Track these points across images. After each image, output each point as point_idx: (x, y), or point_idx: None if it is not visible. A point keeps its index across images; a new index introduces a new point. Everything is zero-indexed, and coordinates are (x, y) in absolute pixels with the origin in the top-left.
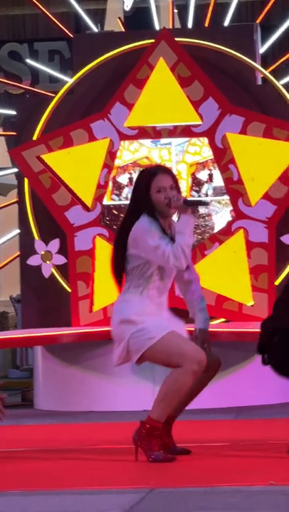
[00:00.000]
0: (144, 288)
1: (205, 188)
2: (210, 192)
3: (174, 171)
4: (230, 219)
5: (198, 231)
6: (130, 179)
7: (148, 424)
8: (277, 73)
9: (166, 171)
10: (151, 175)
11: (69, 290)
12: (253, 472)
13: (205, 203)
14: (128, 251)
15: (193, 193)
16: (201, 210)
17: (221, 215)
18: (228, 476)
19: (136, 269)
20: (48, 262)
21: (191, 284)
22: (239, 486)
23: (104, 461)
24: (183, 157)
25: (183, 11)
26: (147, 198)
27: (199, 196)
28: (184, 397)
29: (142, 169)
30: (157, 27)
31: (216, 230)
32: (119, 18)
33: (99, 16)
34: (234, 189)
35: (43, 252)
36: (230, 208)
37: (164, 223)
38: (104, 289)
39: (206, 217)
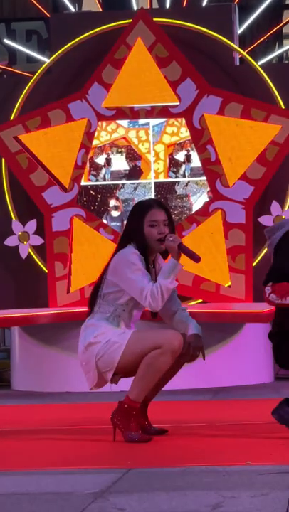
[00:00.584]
0: (112, 315)
1: (182, 168)
2: (187, 173)
3: (152, 152)
4: (208, 200)
5: (175, 212)
6: (107, 160)
7: (126, 404)
8: (255, 54)
9: (162, 205)
10: (146, 207)
11: (46, 271)
12: (230, 452)
13: (196, 259)
14: (106, 275)
15: (171, 173)
16: (179, 190)
17: (198, 196)
18: (205, 456)
19: (109, 295)
20: (25, 242)
21: (176, 313)
22: (216, 465)
23: (81, 441)
24: (161, 138)
25: None
26: (139, 230)
27: (176, 177)
28: (160, 377)
29: (138, 200)
30: (135, 7)
31: (193, 211)
32: None
33: None
34: (212, 170)
35: (20, 233)
36: (208, 189)
37: (150, 258)
38: (82, 270)
39: (184, 198)
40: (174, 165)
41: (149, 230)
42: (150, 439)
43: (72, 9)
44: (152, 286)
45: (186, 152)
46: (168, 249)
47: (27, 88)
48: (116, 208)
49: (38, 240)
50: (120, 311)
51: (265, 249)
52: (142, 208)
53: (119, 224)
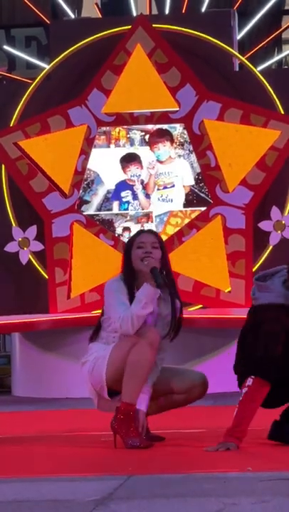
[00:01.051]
0: (106, 340)
1: None
2: None
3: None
4: None
5: None
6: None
7: (122, 408)
8: (255, 59)
9: (152, 232)
10: (136, 234)
11: (46, 277)
12: (231, 459)
13: (159, 284)
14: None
15: None
16: None
17: None
18: (206, 463)
19: (104, 322)
20: (25, 248)
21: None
22: (216, 472)
23: (81, 447)
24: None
25: None
26: (127, 253)
27: None
28: (148, 372)
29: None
30: (134, 13)
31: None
32: (96, 4)
33: (76, 2)
34: (211, 175)
35: (20, 239)
36: None
37: (140, 281)
38: (82, 276)
39: None
40: None
41: (136, 251)
42: (151, 445)
43: (72, 16)
44: (125, 313)
45: None
46: (143, 273)
47: (27, 94)
48: None
49: (38, 246)
50: (112, 338)
51: (265, 255)
52: (133, 236)
53: None
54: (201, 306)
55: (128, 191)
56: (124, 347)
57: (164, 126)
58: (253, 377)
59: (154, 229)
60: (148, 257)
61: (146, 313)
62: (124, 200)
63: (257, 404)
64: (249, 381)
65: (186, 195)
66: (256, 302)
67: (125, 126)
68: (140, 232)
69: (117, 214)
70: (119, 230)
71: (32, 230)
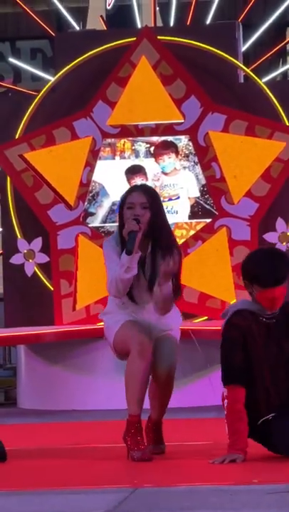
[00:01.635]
0: (119, 304)
1: None
2: None
3: None
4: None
5: None
6: None
7: (128, 421)
8: (259, 71)
9: (144, 189)
10: (127, 192)
11: (52, 289)
12: (236, 471)
13: (128, 251)
14: None
15: None
16: None
17: None
18: (212, 476)
19: None
20: (30, 260)
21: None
22: (222, 485)
23: (87, 460)
24: None
25: (165, 9)
26: (120, 213)
27: None
28: (144, 382)
29: None
30: (139, 25)
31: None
32: (101, 16)
33: (81, 14)
34: (217, 187)
35: (25, 251)
36: None
37: (142, 241)
38: (87, 288)
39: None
40: None
41: (126, 211)
42: (149, 459)
43: (77, 28)
44: (111, 278)
45: None
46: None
47: (32, 106)
48: None
49: (43, 258)
50: (121, 302)
51: None
52: (125, 193)
53: None
54: (206, 317)
55: None
56: (124, 336)
57: (169, 138)
58: (225, 386)
59: None
60: (135, 219)
61: (128, 277)
62: None
63: (241, 413)
64: (224, 391)
65: (191, 206)
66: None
67: (130, 138)
68: (131, 191)
69: None
70: None
71: (37, 242)
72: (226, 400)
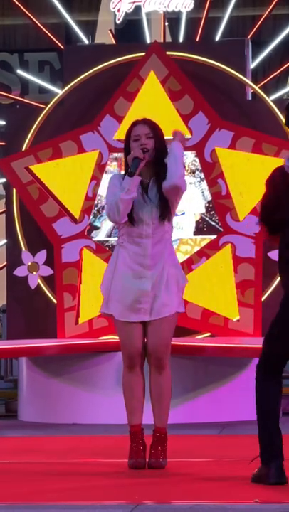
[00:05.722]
0: (120, 235)
1: None
2: None
3: None
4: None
5: None
6: None
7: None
8: (267, 89)
9: (146, 122)
10: (131, 125)
11: (55, 302)
12: (238, 489)
13: (130, 173)
14: None
15: None
16: None
17: None
18: (213, 493)
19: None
20: (34, 273)
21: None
22: (224, 503)
23: (87, 475)
24: None
25: (174, 24)
26: (126, 147)
27: None
28: (137, 392)
29: None
30: (148, 40)
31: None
32: (111, 30)
33: (90, 28)
34: (222, 204)
35: (29, 263)
36: None
37: (145, 170)
38: (91, 302)
39: None
40: None
41: (132, 144)
42: (140, 467)
43: (86, 41)
44: (110, 200)
45: None
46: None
47: (39, 119)
48: None
49: (47, 271)
50: (119, 240)
51: (275, 284)
52: (128, 128)
53: None
54: (209, 334)
55: None
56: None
57: None
58: None
59: None
60: (142, 148)
61: (128, 198)
62: None
63: None
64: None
65: (197, 222)
66: None
67: None
68: (135, 124)
69: None
70: None
71: (41, 255)
72: None
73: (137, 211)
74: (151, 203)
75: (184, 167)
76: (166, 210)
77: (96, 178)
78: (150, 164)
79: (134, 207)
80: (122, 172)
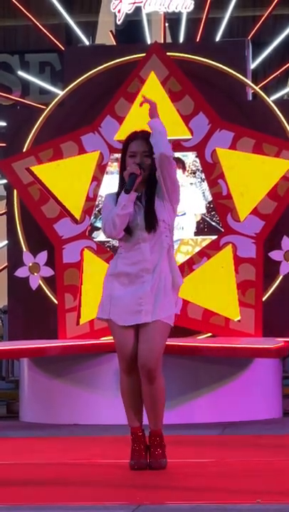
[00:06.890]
0: (119, 247)
1: None
2: None
3: None
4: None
5: None
6: None
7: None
8: (268, 89)
9: (144, 137)
10: (128, 139)
11: (56, 302)
12: (240, 490)
13: (126, 190)
14: None
15: None
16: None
17: None
18: (215, 494)
19: None
20: (35, 273)
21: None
22: (226, 503)
23: (89, 475)
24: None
25: (174, 25)
26: (122, 162)
27: None
28: (134, 393)
29: None
30: (149, 41)
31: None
32: (111, 31)
33: (90, 29)
34: (223, 204)
35: (30, 264)
36: None
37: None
38: (92, 302)
39: None
40: None
41: (128, 160)
42: (140, 468)
43: (86, 42)
44: (107, 216)
45: None
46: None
47: (40, 120)
48: None
49: (48, 272)
50: (120, 240)
51: (276, 284)
52: (126, 140)
53: None
54: (210, 334)
55: None
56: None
57: (177, 154)
58: None
59: None
60: (138, 164)
61: (124, 213)
62: None
63: None
64: None
65: (197, 223)
66: None
67: None
68: (133, 139)
69: None
70: None
71: (42, 256)
72: None
73: (131, 220)
74: (144, 208)
75: (170, 145)
76: (153, 219)
77: (97, 179)
78: (144, 178)
79: (130, 222)
80: (115, 191)
